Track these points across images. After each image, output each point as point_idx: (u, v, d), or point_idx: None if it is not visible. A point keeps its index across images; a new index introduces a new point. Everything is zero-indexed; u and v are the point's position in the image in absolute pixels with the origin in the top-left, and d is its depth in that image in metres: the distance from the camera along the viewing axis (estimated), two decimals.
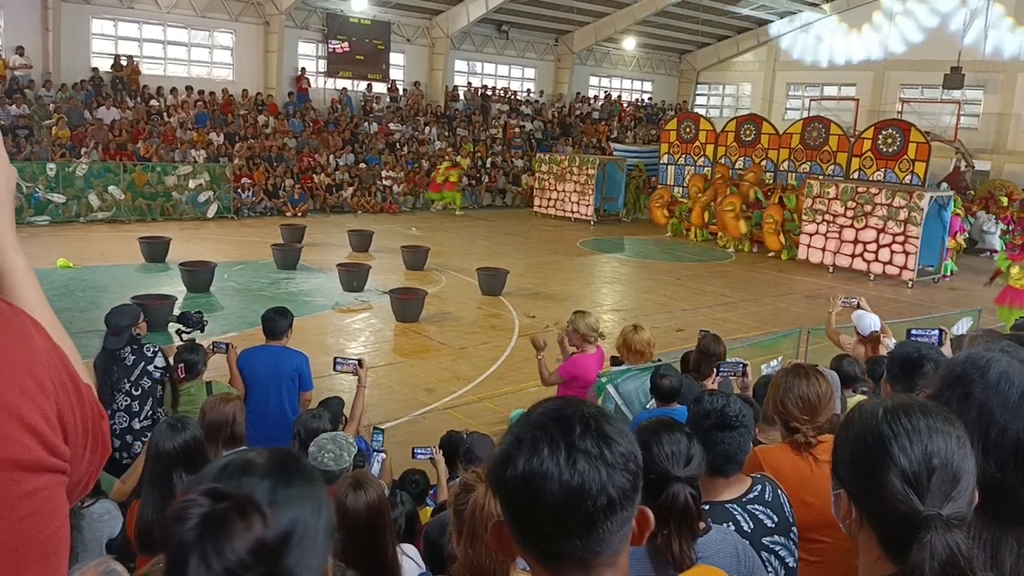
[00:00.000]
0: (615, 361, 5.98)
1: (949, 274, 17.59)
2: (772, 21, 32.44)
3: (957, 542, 1.24)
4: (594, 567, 1.18)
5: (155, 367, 5.23)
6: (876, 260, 17.16)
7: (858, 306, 6.88)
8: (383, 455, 5.04)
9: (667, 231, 22.37)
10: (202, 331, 6.19)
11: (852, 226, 17.52)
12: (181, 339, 5.99)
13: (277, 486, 0.98)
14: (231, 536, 0.90)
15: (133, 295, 10.19)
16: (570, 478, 1.13)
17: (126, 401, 5.17)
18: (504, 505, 1.20)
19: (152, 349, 5.30)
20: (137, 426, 5.16)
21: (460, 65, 30.34)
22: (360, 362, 5.33)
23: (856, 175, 19.73)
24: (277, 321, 5.70)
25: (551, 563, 1.18)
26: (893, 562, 1.31)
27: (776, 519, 2.51)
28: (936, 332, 5.05)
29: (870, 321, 6.19)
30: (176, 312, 7.64)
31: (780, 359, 7.37)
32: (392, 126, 26.68)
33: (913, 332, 5.14)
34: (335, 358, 5.46)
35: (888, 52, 29.54)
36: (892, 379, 3.11)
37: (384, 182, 24.21)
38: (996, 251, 20.44)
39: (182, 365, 5.17)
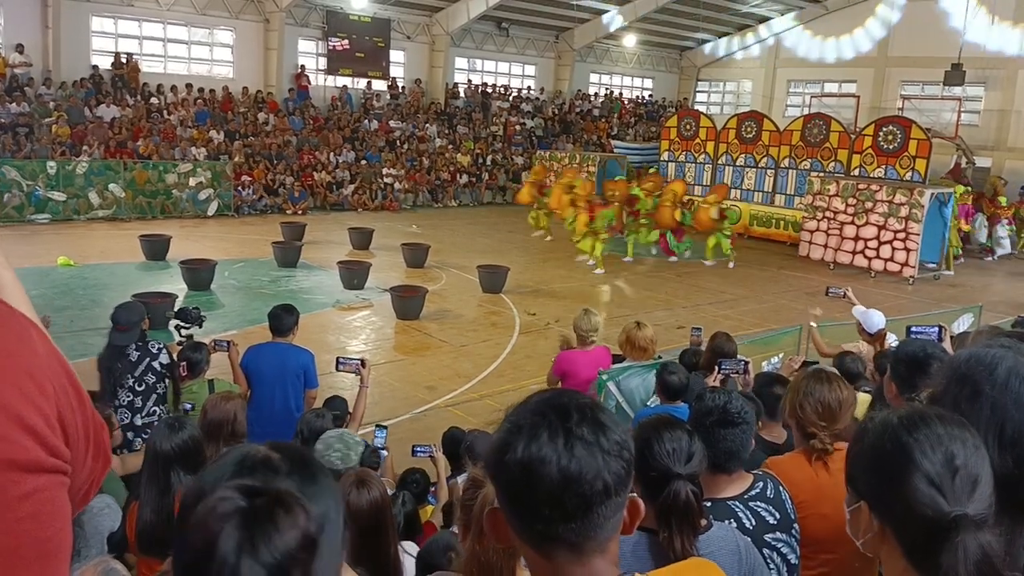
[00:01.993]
0: (616, 358, 5.99)
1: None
2: (772, 18, 32.41)
3: (989, 540, 1.25)
4: (586, 551, 1.21)
5: (159, 363, 5.25)
6: (877, 257, 17.14)
7: (844, 296, 6.89)
8: (385, 452, 5.04)
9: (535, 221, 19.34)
10: (200, 327, 6.20)
11: (853, 223, 17.52)
12: (180, 334, 6.00)
13: (304, 482, 0.96)
14: (280, 529, 0.88)
15: (134, 293, 10.19)
16: (568, 463, 1.17)
17: (128, 397, 5.18)
18: (502, 489, 1.23)
19: (157, 346, 5.33)
20: (139, 422, 5.18)
21: (460, 62, 30.33)
22: (363, 362, 5.33)
23: (857, 172, 19.72)
24: (283, 318, 5.70)
25: (545, 546, 1.21)
26: (919, 572, 1.31)
27: (778, 516, 2.51)
28: (936, 329, 5.06)
29: (877, 318, 6.15)
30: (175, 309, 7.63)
31: (781, 356, 7.36)
32: (392, 123, 26.67)
33: (913, 329, 5.14)
34: (337, 358, 5.44)
35: (889, 48, 29.51)
36: (897, 378, 3.03)
37: (385, 179, 24.22)
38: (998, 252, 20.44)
39: (185, 363, 5.17)
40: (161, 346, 5.37)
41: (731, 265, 17.11)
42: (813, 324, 6.96)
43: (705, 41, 34.68)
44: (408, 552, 3.03)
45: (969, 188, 21.02)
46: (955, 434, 1.35)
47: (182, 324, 5.99)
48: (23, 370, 1.00)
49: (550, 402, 1.25)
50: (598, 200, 17.36)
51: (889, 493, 1.34)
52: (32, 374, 1.01)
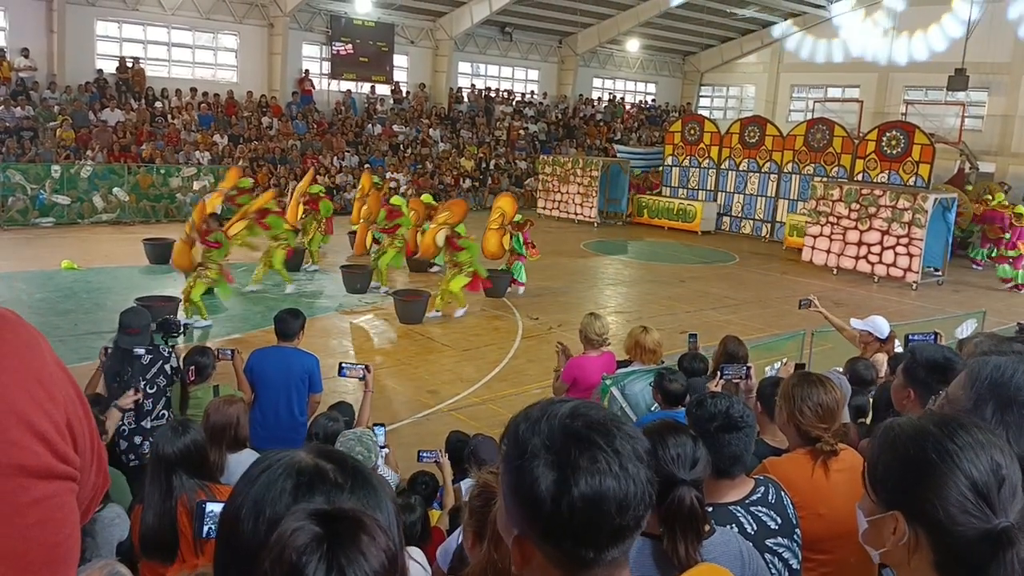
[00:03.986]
0: (619, 364, 5.97)
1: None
2: (776, 23, 32.43)
3: None
4: (619, 566, 1.21)
5: (170, 366, 5.28)
6: (880, 262, 17.12)
7: (811, 305, 6.91)
8: (387, 450, 5.04)
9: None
10: (185, 335, 6.21)
11: (856, 228, 17.49)
12: (167, 344, 6.00)
13: (367, 496, 0.95)
14: (367, 556, 0.86)
15: (136, 297, 10.21)
16: (627, 486, 1.14)
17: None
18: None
19: (167, 350, 5.35)
20: (148, 425, 5.17)
21: (464, 67, 30.38)
22: (367, 367, 5.32)
23: (860, 177, 19.70)
24: (289, 322, 5.69)
25: (584, 570, 1.17)
26: None
27: (779, 521, 2.51)
28: (932, 336, 5.12)
29: (885, 325, 6.16)
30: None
31: (784, 361, 7.35)
32: (396, 128, 26.72)
33: (912, 337, 5.21)
34: (340, 363, 5.41)
35: (892, 54, 29.52)
36: (917, 384, 2.92)
37: (388, 184, 24.24)
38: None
39: (193, 367, 5.17)
40: (171, 349, 5.39)
41: (459, 313, 12.38)
42: (821, 308, 6.94)
43: (708, 46, 34.70)
44: (413, 558, 3.02)
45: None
46: (994, 442, 1.33)
47: (168, 335, 5.96)
48: (33, 376, 1.00)
49: (587, 421, 1.19)
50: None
51: (931, 503, 1.30)
52: (42, 380, 1.01)
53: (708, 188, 23.52)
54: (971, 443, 1.31)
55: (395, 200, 13.98)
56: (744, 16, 31.14)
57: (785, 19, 32.09)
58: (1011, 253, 17.53)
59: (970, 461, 1.29)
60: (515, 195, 14.00)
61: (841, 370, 5.30)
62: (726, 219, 23.27)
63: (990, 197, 20.74)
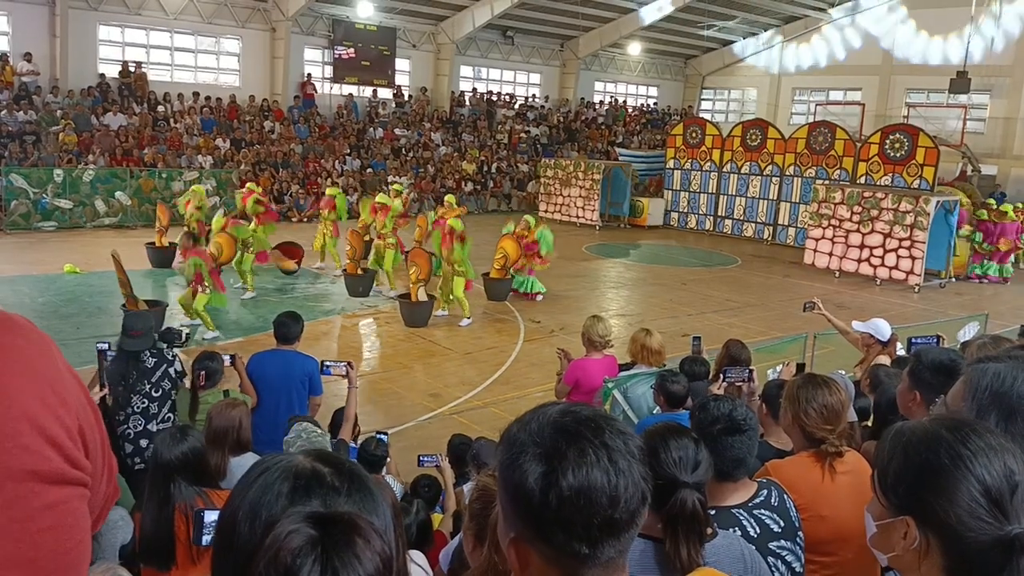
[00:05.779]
0: (623, 367, 5.97)
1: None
2: (778, 26, 32.45)
3: None
4: (617, 567, 1.20)
5: (175, 370, 5.27)
6: (882, 265, 17.10)
7: (815, 308, 6.90)
8: (388, 459, 5.04)
9: None
10: (186, 343, 6.20)
11: (858, 231, 17.47)
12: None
13: (364, 499, 0.95)
14: (362, 560, 0.86)
15: (122, 304, 10.17)
16: (616, 479, 1.15)
17: (143, 403, 5.17)
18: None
19: (171, 353, 5.34)
20: (154, 428, 5.15)
21: (466, 71, 30.44)
22: (350, 363, 5.30)
23: (863, 180, 19.69)
24: (290, 326, 5.69)
25: (581, 570, 1.17)
26: None
27: (782, 524, 2.51)
28: (933, 340, 5.12)
29: (886, 327, 6.14)
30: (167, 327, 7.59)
31: (786, 362, 7.32)
32: (398, 131, 26.76)
33: (915, 340, 5.20)
34: (322, 361, 5.37)
35: (894, 56, 29.53)
36: (923, 386, 2.87)
37: (390, 187, 24.28)
38: None
39: (203, 372, 5.16)
40: (175, 353, 5.39)
41: (464, 323, 12.06)
42: (824, 311, 6.93)
43: (710, 49, 34.72)
44: (415, 562, 3.02)
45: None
46: (1007, 447, 1.32)
47: (171, 344, 5.95)
48: (46, 382, 1.01)
49: (574, 417, 1.20)
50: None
51: (943, 508, 1.28)
52: (54, 386, 1.02)
53: (710, 191, 23.55)
54: (984, 448, 1.30)
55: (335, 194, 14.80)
56: (745, 20, 31.17)
57: (787, 22, 32.11)
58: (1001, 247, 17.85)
59: (983, 466, 1.27)
60: (518, 240, 13.84)
61: (845, 372, 5.28)
62: (674, 215, 24.45)
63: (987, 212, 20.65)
